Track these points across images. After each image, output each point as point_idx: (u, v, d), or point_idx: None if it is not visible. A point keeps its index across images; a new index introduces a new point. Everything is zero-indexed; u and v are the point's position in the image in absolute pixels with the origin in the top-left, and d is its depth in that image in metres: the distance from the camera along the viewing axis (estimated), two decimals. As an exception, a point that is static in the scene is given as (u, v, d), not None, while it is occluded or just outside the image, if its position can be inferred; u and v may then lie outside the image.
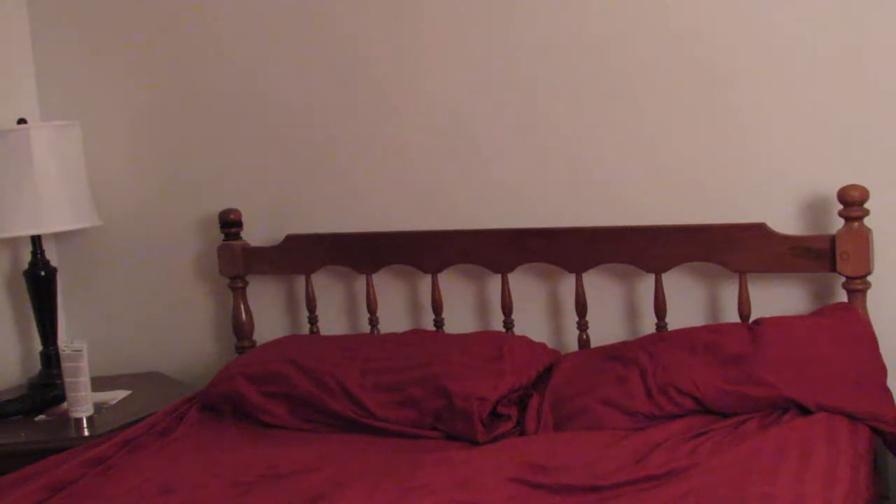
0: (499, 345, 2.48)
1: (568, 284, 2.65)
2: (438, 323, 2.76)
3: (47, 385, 2.91)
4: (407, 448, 2.27)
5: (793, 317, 2.38)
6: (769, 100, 2.47)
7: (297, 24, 2.90)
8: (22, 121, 3.01)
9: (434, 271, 2.75)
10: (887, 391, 2.23)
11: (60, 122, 3.02)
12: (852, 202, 2.32)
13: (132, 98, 3.15)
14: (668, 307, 2.53)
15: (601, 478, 1.95)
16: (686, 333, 2.39)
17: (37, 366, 3.05)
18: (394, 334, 2.72)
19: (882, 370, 2.25)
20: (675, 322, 2.52)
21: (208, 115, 3.05)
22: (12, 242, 3.13)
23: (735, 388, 2.20)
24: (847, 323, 2.29)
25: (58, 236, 3.18)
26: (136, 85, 3.14)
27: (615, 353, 2.41)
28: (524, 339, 2.57)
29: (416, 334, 2.70)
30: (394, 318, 2.86)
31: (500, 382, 2.34)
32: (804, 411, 2.15)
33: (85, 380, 2.64)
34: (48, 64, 3.23)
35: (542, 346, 2.57)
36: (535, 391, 2.40)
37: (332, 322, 2.94)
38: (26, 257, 3.04)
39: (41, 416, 2.73)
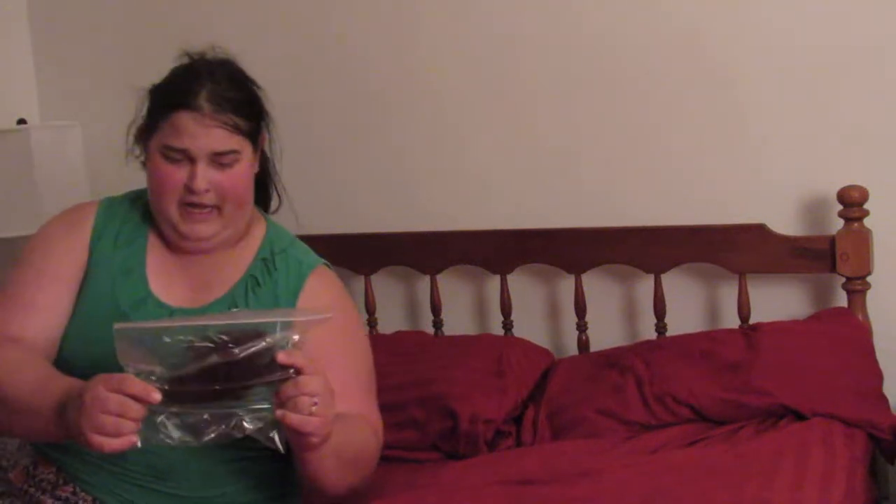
0: (497, 354, 2.45)
1: (567, 285, 2.64)
2: (437, 324, 2.75)
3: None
4: (402, 471, 2.19)
5: (789, 322, 2.38)
6: (769, 100, 2.46)
7: (297, 26, 2.90)
8: (22, 121, 3.01)
9: (433, 273, 2.75)
10: (883, 398, 2.22)
11: (60, 123, 3.02)
12: (852, 203, 2.31)
13: (132, 98, 3.14)
14: (667, 308, 2.52)
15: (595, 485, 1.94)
16: (682, 341, 2.38)
17: (36, 367, 3.05)
18: (380, 337, 2.67)
19: (878, 377, 2.24)
20: (674, 323, 2.52)
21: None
22: (12, 243, 3.12)
23: (732, 396, 2.19)
24: (844, 329, 2.29)
25: (57, 237, 3.18)
26: (137, 86, 3.13)
27: (611, 361, 2.39)
28: (520, 345, 2.55)
29: (404, 338, 2.64)
30: (392, 320, 2.85)
31: (503, 401, 2.32)
32: (800, 418, 2.14)
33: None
34: (48, 64, 3.22)
35: (537, 349, 2.56)
36: (531, 402, 2.39)
37: (331, 323, 2.93)
38: (26, 258, 3.03)
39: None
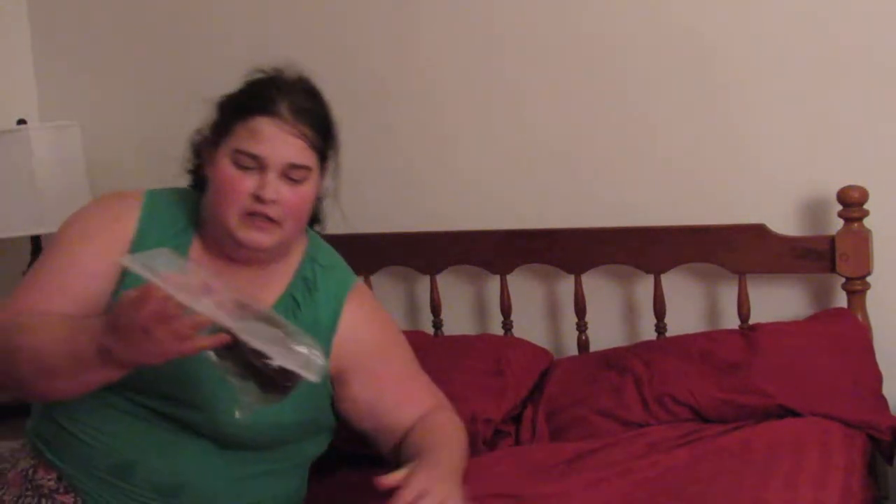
0: (496, 354, 2.45)
1: (567, 285, 2.64)
2: (437, 324, 2.75)
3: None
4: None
5: (789, 323, 2.38)
6: (768, 100, 2.45)
7: (298, 26, 2.90)
8: (22, 121, 3.01)
9: (433, 273, 2.75)
10: (882, 399, 2.22)
11: (60, 123, 3.02)
12: (852, 203, 2.31)
13: (132, 98, 3.15)
14: (667, 308, 2.52)
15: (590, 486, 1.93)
16: (681, 341, 2.37)
17: (36, 367, 3.05)
18: None
19: (878, 378, 2.24)
20: (674, 323, 2.51)
21: (209, 117, 3.05)
22: (12, 243, 3.13)
23: (731, 396, 2.18)
24: (843, 329, 2.28)
25: (57, 237, 3.18)
26: (136, 85, 3.14)
27: (610, 361, 2.39)
28: (519, 345, 2.55)
29: None
30: (392, 320, 2.85)
31: (502, 401, 2.32)
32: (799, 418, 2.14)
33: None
34: (48, 64, 3.23)
35: (537, 349, 2.56)
36: (529, 402, 2.38)
37: (332, 323, 2.94)
38: (26, 258, 3.03)
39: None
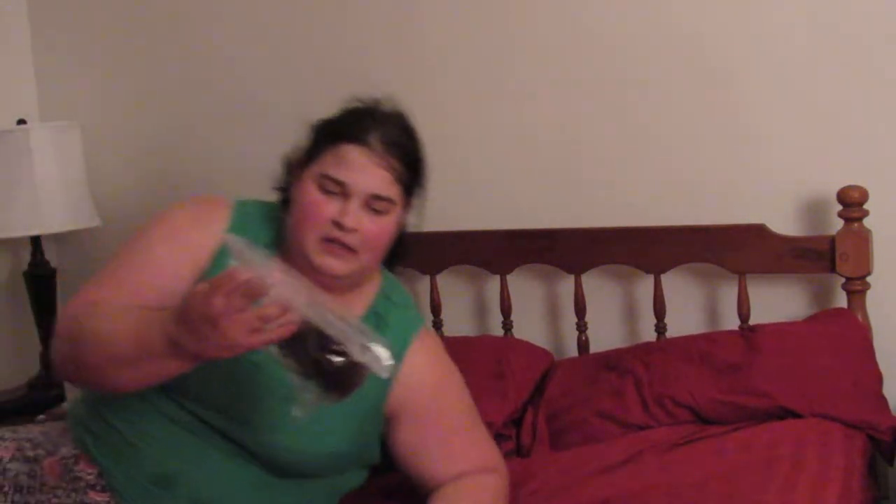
0: (497, 356, 2.44)
1: (567, 285, 2.64)
2: (437, 325, 2.75)
3: (47, 386, 2.91)
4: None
5: (789, 323, 2.38)
6: (768, 100, 2.46)
7: (296, 26, 2.90)
8: (22, 121, 3.01)
9: (433, 273, 2.75)
10: (883, 399, 2.22)
11: (60, 123, 3.02)
12: (852, 203, 2.31)
13: (132, 98, 3.15)
14: (667, 308, 2.52)
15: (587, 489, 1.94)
16: (681, 342, 2.37)
17: (36, 367, 3.05)
18: None
19: (878, 378, 2.24)
20: (674, 323, 2.51)
21: (209, 117, 3.05)
22: (12, 243, 3.13)
23: (731, 398, 2.18)
24: (843, 330, 2.28)
25: (57, 237, 3.17)
26: (136, 85, 3.14)
27: (610, 363, 2.39)
28: (520, 346, 2.55)
29: None
30: (392, 320, 2.85)
31: (504, 403, 2.31)
32: (799, 419, 2.14)
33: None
34: (48, 64, 3.22)
35: (537, 350, 2.56)
36: (529, 404, 2.38)
37: (331, 323, 2.94)
38: (26, 258, 3.04)
39: (41, 417, 2.74)
